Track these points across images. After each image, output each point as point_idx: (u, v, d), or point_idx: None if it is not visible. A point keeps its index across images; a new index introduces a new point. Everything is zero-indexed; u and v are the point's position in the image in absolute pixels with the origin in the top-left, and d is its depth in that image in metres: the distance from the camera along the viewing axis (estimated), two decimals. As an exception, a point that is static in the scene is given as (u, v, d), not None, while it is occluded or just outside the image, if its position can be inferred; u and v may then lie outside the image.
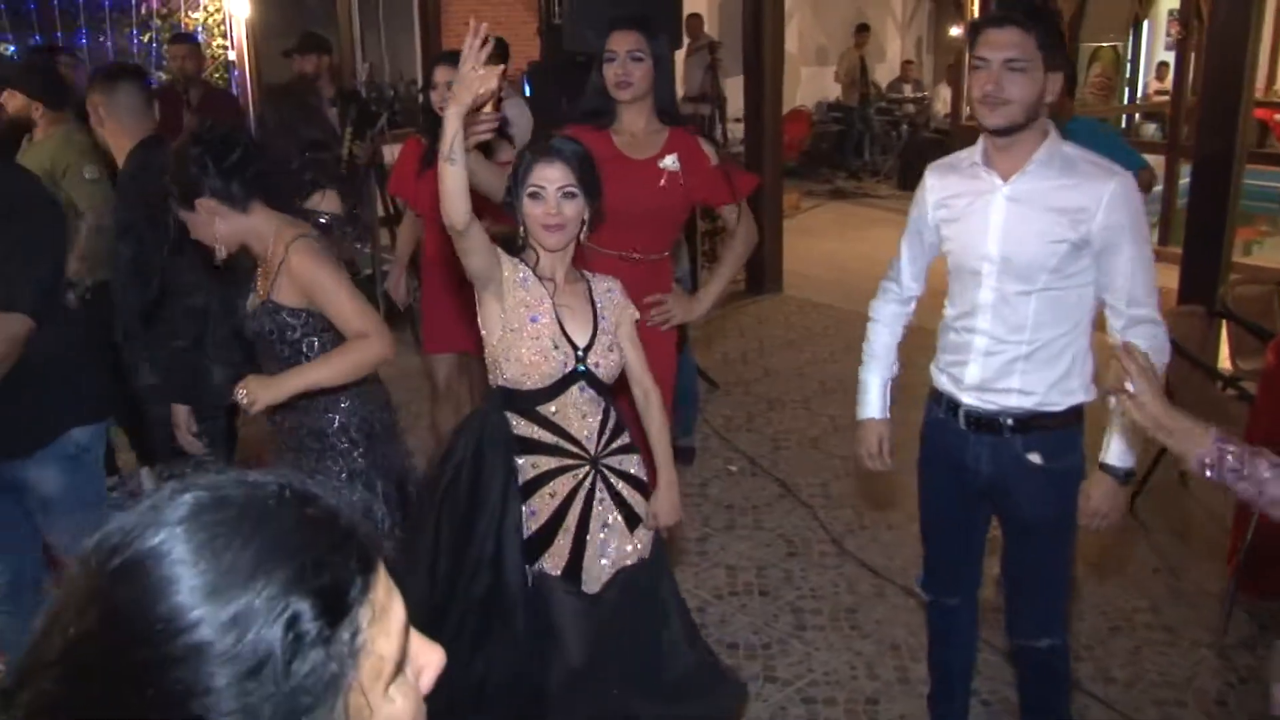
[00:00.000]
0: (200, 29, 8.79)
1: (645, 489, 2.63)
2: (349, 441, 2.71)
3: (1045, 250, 2.37)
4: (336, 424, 2.69)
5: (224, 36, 8.95)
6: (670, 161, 3.17)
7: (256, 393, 2.43)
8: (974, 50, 2.37)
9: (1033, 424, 2.47)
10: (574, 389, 2.48)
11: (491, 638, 2.52)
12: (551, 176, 2.40)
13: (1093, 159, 2.40)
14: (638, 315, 2.64)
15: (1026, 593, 2.67)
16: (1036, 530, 2.54)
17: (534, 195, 2.41)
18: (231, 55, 8.89)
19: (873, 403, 2.81)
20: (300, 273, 2.54)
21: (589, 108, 3.25)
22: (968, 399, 2.55)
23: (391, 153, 6.90)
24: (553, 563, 2.52)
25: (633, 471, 2.62)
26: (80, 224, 3.88)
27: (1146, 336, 2.31)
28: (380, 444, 2.77)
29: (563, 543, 2.52)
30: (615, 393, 2.64)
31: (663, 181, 3.17)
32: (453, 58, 3.39)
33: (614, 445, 2.58)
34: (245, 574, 0.70)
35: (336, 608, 0.72)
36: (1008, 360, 2.47)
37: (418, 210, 4.05)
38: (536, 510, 2.52)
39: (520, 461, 2.51)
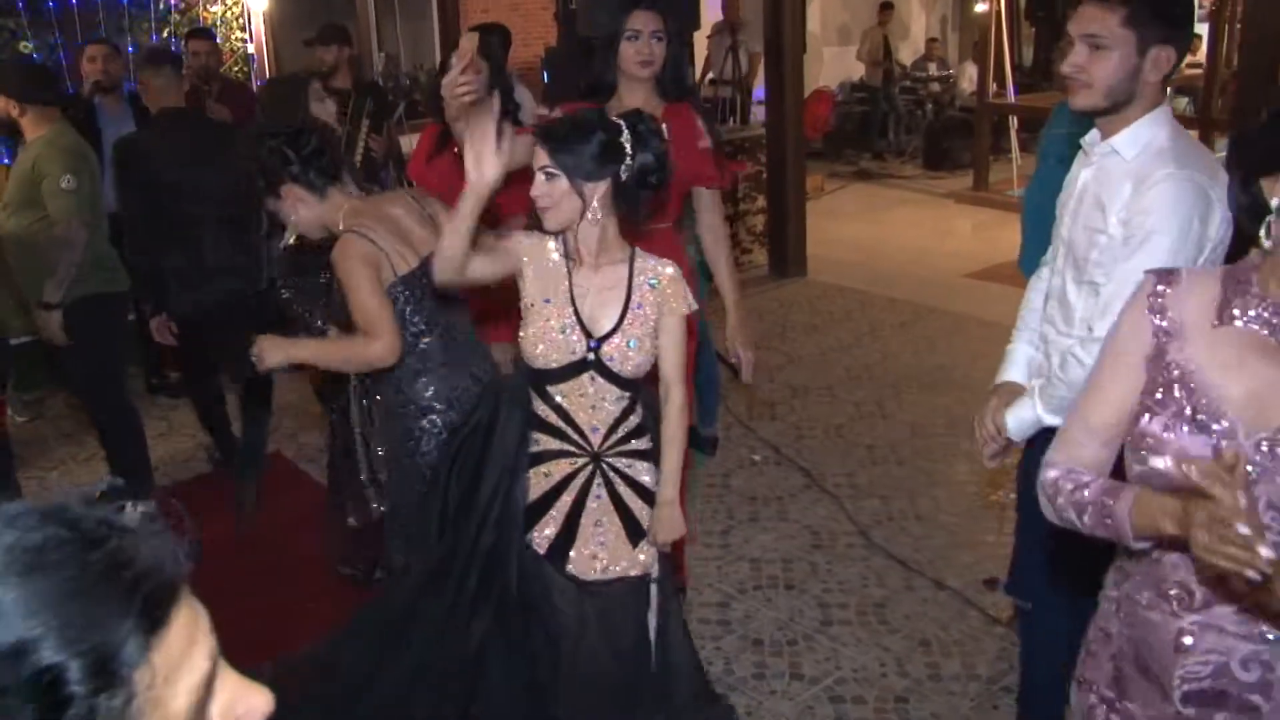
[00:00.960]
0: (219, 22, 8.77)
1: (652, 500, 2.53)
2: (428, 405, 2.87)
3: (1087, 239, 2.22)
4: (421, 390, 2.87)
5: (243, 29, 8.93)
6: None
7: (266, 351, 2.76)
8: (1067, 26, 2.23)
9: None
10: (584, 378, 2.41)
11: (490, 600, 2.52)
12: (538, 159, 2.32)
13: (1170, 148, 2.14)
14: (692, 309, 2.45)
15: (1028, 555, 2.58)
16: None
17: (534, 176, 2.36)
18: (250, 48, 8.88)
19: (1010, 369, 2.51)
20: (336, 263, 2.72)
21: (590, 84, 3.30)
22: None
23: (409, 143, 6.87)
24: (538, 541, 2.51)
25: (643, 480, 2.52)
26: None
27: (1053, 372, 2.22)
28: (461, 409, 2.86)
29: (549, 530, 2.50)
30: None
31: None
32: (484, 36, 3.46)
33: (624, 446, 2.49)
34: (7, 626, 0.63)
35: (106, 671, 0.65)
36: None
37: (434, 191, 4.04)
38: (531, 485, 2.52)
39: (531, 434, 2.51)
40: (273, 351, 2.76)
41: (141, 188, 4.12)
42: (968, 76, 11.80)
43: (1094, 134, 2.29)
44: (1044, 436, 2.47)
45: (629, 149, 2.30)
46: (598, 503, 2.49)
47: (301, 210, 2.82)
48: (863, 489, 4.44)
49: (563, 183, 2.30)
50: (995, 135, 10.17)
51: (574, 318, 2.38)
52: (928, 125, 12.04)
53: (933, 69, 12.66)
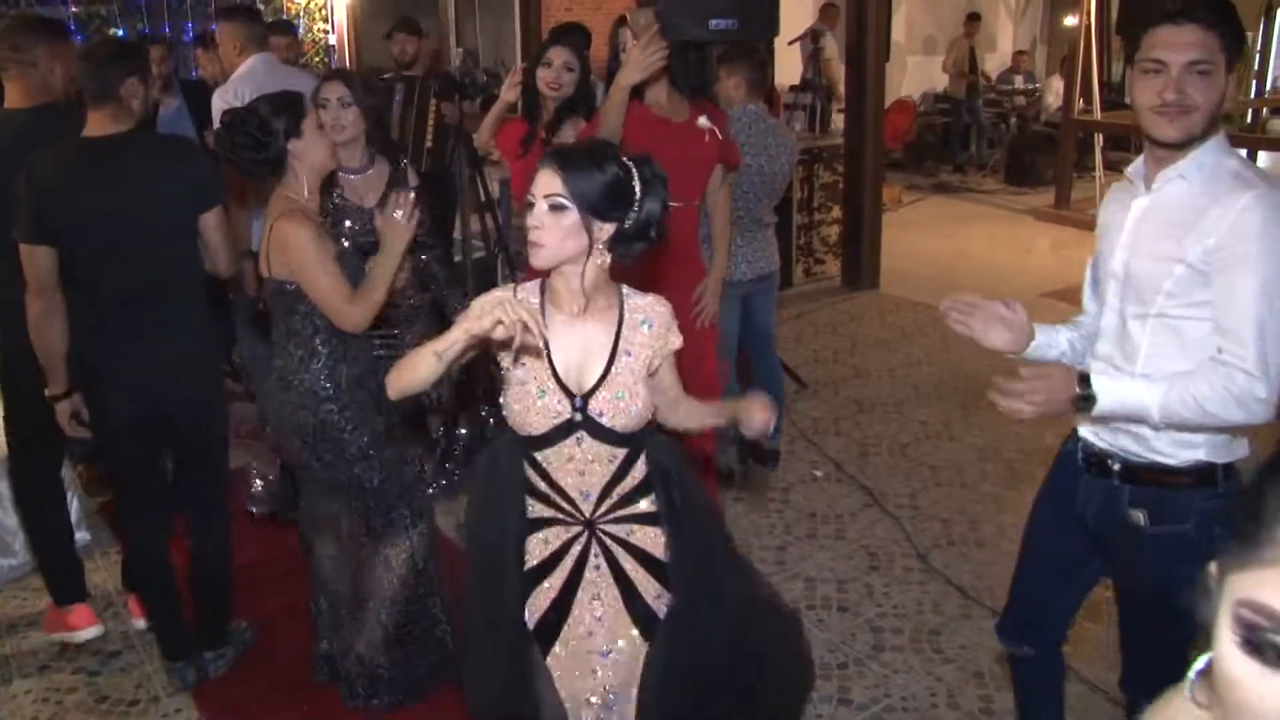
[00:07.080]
0: (302, 13, 8.88)
1: (659, 569, 2.20)
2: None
3: (1159, 269, 2.05)
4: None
5: (325, 20, 9.04)
6: (704, 121, 3.52)
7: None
8: (1145, 52, 2.02)
9: (1143, 475, 2.14)
10: (570, 440, 2.10)
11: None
12: (544, 185, 2.01)
13: (1245, 171, 2.01)
14: (679, 344, 2.20)
15: (1134, 656, 2.36)
16: (1139, 598, 2.24)
17: (528, 204, 2.03)
18: (332, 39, 8.99)
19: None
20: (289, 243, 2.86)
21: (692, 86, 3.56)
22: (1083, 430, 2.28)
23: (475, 124, 6.95)
24: (529, 614, 2.22)
25: (646, 547, 2.19)
26: None
27: (1207, 378, 1.94)
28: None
29: (541, 601, 2.20)
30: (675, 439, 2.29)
31: (706, 138, 3.52)
32: (568, 37, 3.84)
33: (623, 511, 2.17)
34: None
35: None
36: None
37: (515, 191, 4.20)
38: (529, 550, 2.22)
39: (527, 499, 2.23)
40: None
41: None
42: (1054, 91, 11.53)
43: (1139, 165, 2.15)
44: (1062, 459, 2.37)
45: (638, 194, 2.03)
46: (597, 573, 2.20)
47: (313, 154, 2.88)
48: (924, 511, 4.33)
49: (572, 216, 1.99)
50: (1080, 152, 9.95)
51: (552, 379, 2.08)
52: (1011, 139, 11.83)
53: (1019, 82, 12.43)
